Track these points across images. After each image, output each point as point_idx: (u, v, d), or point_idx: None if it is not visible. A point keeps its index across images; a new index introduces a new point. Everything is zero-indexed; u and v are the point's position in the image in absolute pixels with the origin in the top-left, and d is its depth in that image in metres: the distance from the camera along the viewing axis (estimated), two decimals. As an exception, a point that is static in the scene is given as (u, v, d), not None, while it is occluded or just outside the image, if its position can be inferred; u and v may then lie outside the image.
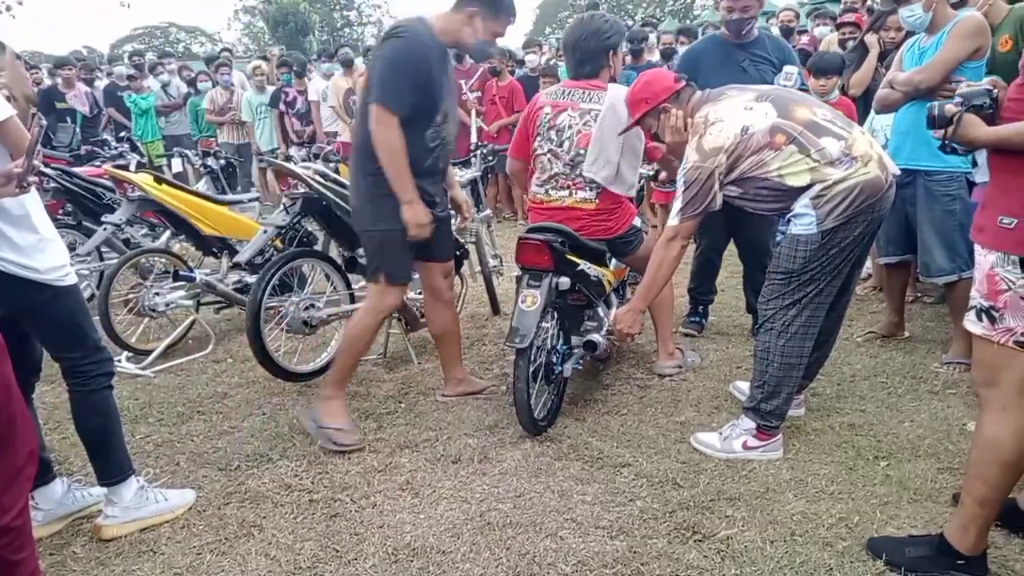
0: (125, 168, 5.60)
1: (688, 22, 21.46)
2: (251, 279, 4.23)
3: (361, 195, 3.10)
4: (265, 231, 4.25)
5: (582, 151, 3.33)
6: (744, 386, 3.23)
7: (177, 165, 7.47)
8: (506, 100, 7.76)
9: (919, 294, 4.74)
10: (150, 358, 4.16)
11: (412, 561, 2.34)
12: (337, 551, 2.41)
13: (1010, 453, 2.00)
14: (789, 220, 2.77)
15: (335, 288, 3.98)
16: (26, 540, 1.91)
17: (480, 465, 2.91)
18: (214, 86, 9.36)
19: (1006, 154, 1.95)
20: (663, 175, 4.01)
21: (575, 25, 3.56)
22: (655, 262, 2.92)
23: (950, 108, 2.00)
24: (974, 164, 3.56)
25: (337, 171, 4.70)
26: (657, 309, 3.72)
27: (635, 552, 2.34)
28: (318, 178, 3.75)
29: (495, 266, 4.81)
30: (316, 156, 5.37)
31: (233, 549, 2.44)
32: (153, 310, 4.31)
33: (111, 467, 2.52)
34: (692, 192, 2.78)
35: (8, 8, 16.74)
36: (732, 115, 2.75)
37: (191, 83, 9.89)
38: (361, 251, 4.12)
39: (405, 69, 2.88)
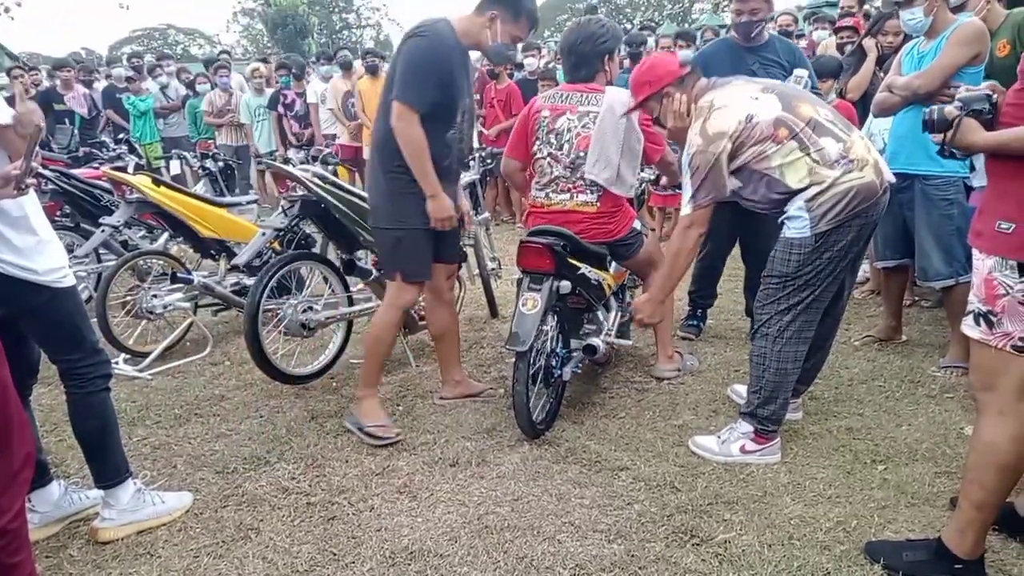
0: (123, 170, 5.58)
1: (686, 26, 21.50)
2: (249, 281, 4.22)
3: (381, 193, 3.13)
4: (263, 233, 4.25)
5: (582, 153, 3.33)
6: (742, 390, 3.23)
7: (175, 167, 7.46)
8: (504, 103, 7.77)
9: (916, 298, 4.75)
10: (148, 360, 4.15)
11: (409, 564, 2.34)
12: (334, 554, 2.41)
13: (1007, 457, 2.01)
14: (783, 223, 2.78)
15: (333, 291, 3.97)
16: (23, 543, 1.91)
17: (478, 468, 2.91)
18: (213, 88, 9.36)
19: (1004, 159, 1.96)
20: (664, 180, 4.01)
21: (571, 29, 3.57)
22: (672, 252, 2.91)
23: (950, 111, 2.00)
24: (971, 168, 3.57)
25: (335, 173, 4.70)
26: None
27: (633, 556, 2.34)
28: (317, 180, 3.75)
29: (493, 269, 4.82)
30: (315, 158, 5.35)
31: (230, 552, 2.44)
32: (151, 312, 4.31)
33: (108, 469, 2.51)
34: (700, 177, 2.75)
35: (7, 10, 16.76)
36: (737, 102, 2.74)
37: (189, 85, 9.89)
38: (360, 253, 4.13)
39: (428, 67, 2.92)
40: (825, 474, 2.78)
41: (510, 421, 3.17)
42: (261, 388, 3.79)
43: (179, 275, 4.09)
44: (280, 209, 4.23)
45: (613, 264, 3.63)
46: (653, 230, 6.15)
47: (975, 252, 2.05)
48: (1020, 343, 1.95)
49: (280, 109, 9.07)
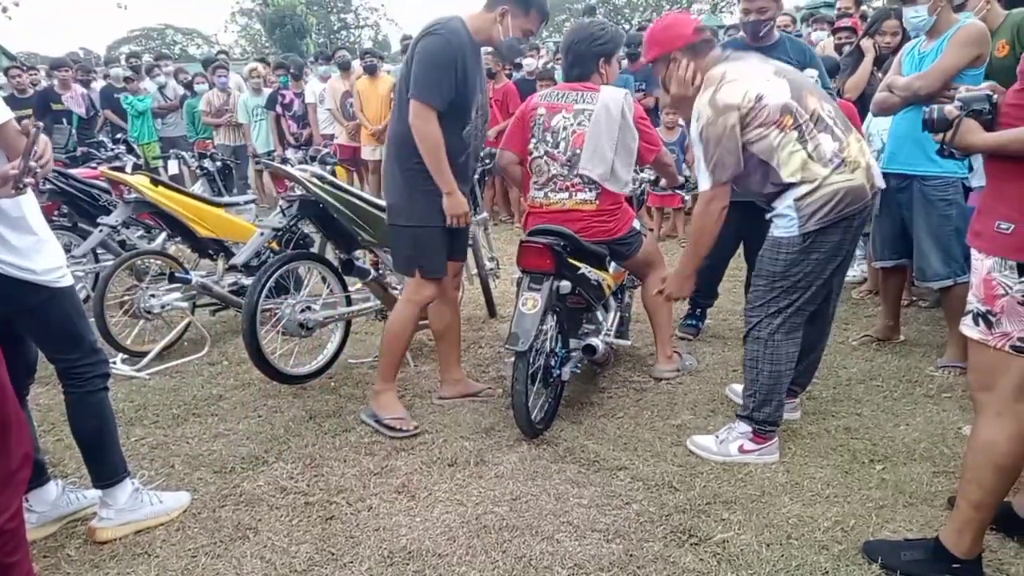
0: (121, 170, 5.58)
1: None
2: (247, 281, 4.21)
3: (398, 190, 3.15)
4: (262, 233, 4.25)
5: (578, 151, 3.34)
6: (740, 389, 3.23)
7: (173, 167, 7.46)
8: (501, 103, 7.76)
9: (914, 298, 4.75)
10: (145, 360, 4.15)
11: (408, 564, 2.34)
12: (332, 554, 2.40)
13: (1005, 457, 2.01)
14: (771, 220, 2.78)
15: (331, 290, 3.97)
16: (20, 543, 1.90)
17: (476, 468, 2.90)
18: (211, 88, 9.35)
19: (1003, 160, 1.96)
20: (664, 181, 4.01)
21: (572, 29, 3.61)
22: (696, 228, 2.88)
23: (950, 111, 2.00)
24: (970, 168, 3.57)
25: (334, 173, 4.70)
26: (655, 313, 3.73)
27: (631, 555, 2.34)
28: (315, 180, 3.75)
29: (492, 269, 4.82)
30: (313, 158, 5.35)
31: (228, 552, 2.43)
32: (149, 312, 4.30)
33: (106, 469, 2.51)
34: (714, 151, 2.69)
35: (4, 9, 16.75)
36: (750, 79, 2.69)
37: (187, 85, 9.88)
38: (358, 253, 4.13)
39: (444, 65, 2.94)
40: (823, 474, 2.78)
41: (509, 421, 3.17)
42: (259, 388, 3.78)
43: (177, 275, 4.08)
44: (278, 209, 4.23)
45: (612, 264, 3.63)
46: (651, 230, 6.16)
47: (974, 252, 2.05)
48: (1019, 343, 1.95)
49: (278, 109, 9.07)
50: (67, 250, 4.57)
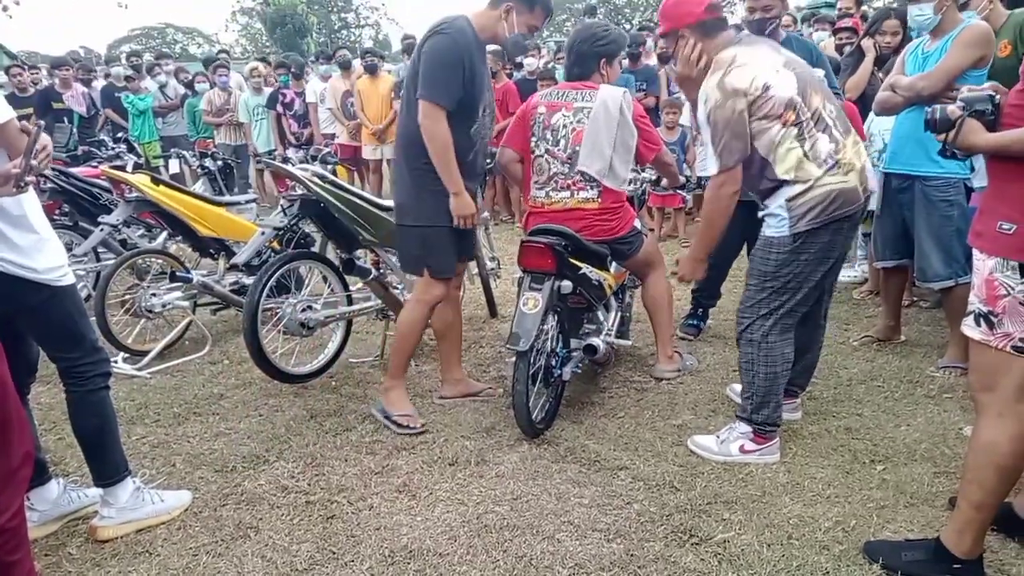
0: (122, 169, 5.58)
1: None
2: (248, 280, 4.22)
3: (407, 190, 3.16)
4: (263, 232, 4.24)
5: (578, 148, 3.35)
6: (740, 389, 3.23)
7: (174, 166, 7.46)
8: (500, 102, 7.76)
9: (915, 298, 4.75)
10: (146, 359, 4.15)
11: (408, 563, 2.34)
12: (334, 553, 2.40)
13: (1006, 458, 2.01)
14: (764, 219, 2.78)
15: (332, 290, 3.97)
16: (21, 541, 1.90)
17: (477, 467, 2.91)
18: (211, 87, 9.35)
19: (1005, 160, 1.96)
20: (665, 181, 4.01)
21: (576, 29, 3.65)
22: (707, 213, 2.86)
23: (952, 111, 2.00)
24: (971, 169, 3.57)
25: (335, 173, 4.69)
26: (656, 312, 3.73)
27: (632, 555, 2.34)
28: (316, 180, 3.75)
29: (492, 268, 4.82)
30: (314, 158, 5.35)
31: (229, 551, 2.44)
32: (150, 311, 4.30)
33: (107, 468, 2.51)
34: (722, 135, 2.65)
35: (5, 8, 16.74)
36: (760, 66, 2.65)
37: (188, 84, 9.88)
38: (359, 253, 4.13)
39: (452, 64, 2.95)
40: (824, 474, 2.78)
41: (509, 420, 3.17)
42: (260, 387, 3.78)
43: (178, 274, 4.08)
44: (279, 208, 4.23)
45: (613, 264, 3.63)
46: (652, 230, 6.16)
47: (976, 253, 2.05)
48: (1020, 344, 1.95)
49: (279, 108, 9.07)
50: (68, 249, 4.57)
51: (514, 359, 3.02)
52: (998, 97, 1.99)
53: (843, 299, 4.95)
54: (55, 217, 5.36)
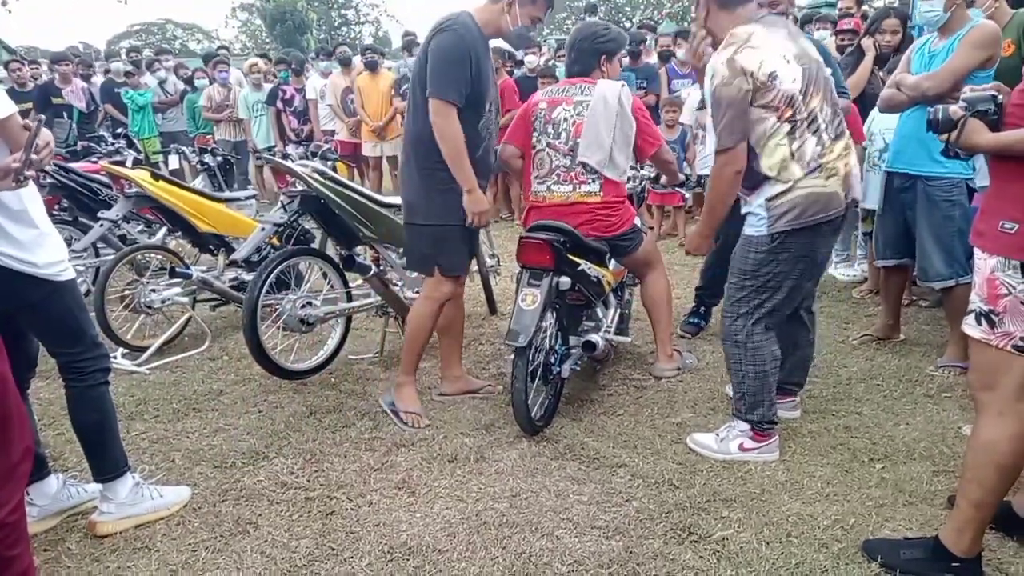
0: (121, 164, 5.58)
1: (686, 25, 21.48)
2: (248, 276, 4.22)
3: (415, 189, 3.17)
4: (263, 228, 4.24)
5: (578, 140, 3.37)
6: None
7: (174, 162, 7.44)
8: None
9: (915, 297, 4.75)
10: (146, 355, 4.14)
11: (408, 560, 2.34)
12: (333, 549, 2.41)
13: (1006, 457, 2.01)
14: (745, 216, 2.79)
15: (332, 286, 3.97)
16: (21, 536, 1.90)
17: (476, 464, 2.91)
18: (211, 83, 9.34)
19: (1007, 160, 1.96)
20: (664, 178, 4.01)
21: (577, 27, 3.68)
22: (711, 194, 2.82)
23: (955, 111, 2.00)
24: (973, 168, 3.56)
25: (335, 169, 4.70)
26: (656, 311, 3.73)
27: (631, 552, 2.34)
28: (316, 176, 3.74)
29: (492, 266, 4.82)
30: (314, 154, 5.35)
31: (228, 546, 2.44)
32: (149, 307, 4.30)
33: (107, 463, 2.51)
34: (723, 113, 2.62)
35: (4, 3, 16.71)
36: (772, 53, 2.60)
37: (188, 80, 9.87)
38: (359, 249, 4.13)
39: (459, 61, 2.95)
40: (823, 472, 2.78)
41: (509, 417, 3.17)
42: (259, 383, 3.78)
43: (178, 270, 4.08)
44: (279, 204, 4.23)
45: (612, 262, 3.63)
46: (652, 228, 6.16)
47: (977, 252, 2.05)
48: (1021, 343, 1.95)
49: (279, 104, 9.06)
50: (67, 244, 4.56)
51: (512, 356, 3.02)
52: (1000, 97, 1.99)
53: (843, 298, 4.96)
54: (54, 212, 5.35)
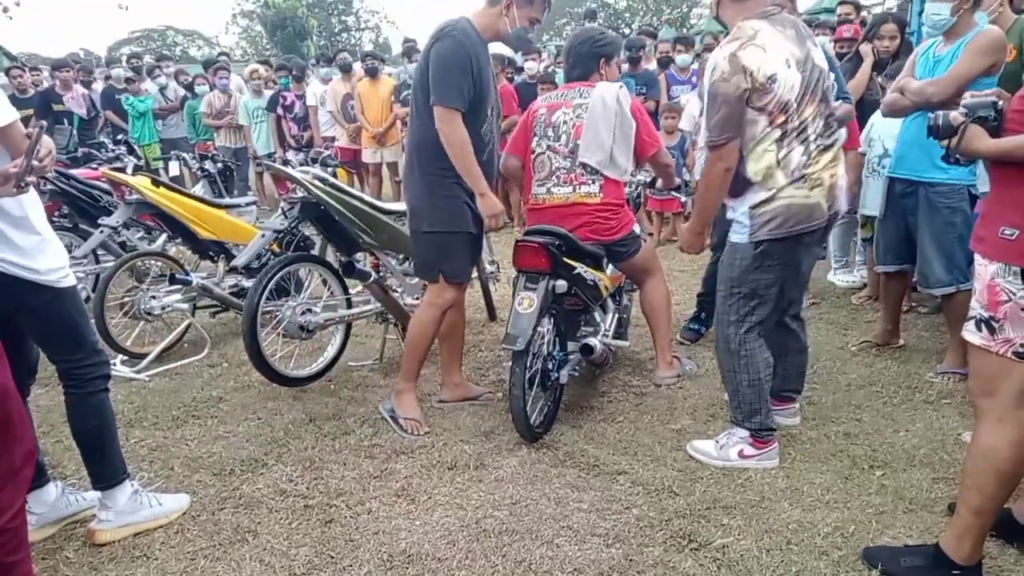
0: (122, 171, 5.58)
1: (685, 31, 21.57)
2: (248, 283, 4.22)
3: (419, 196, 3.18)
4: (263, 235, 4.25)
5: (578, 142, 3.39)
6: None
7: (174, 168, 7.45)
8: (496, 105, 7.77)
9: (914, 304, 4.75)
10: (145, 362, 4.14)
11: (407, 568, 2.34)
12: (332, 557, 2.40)
13: (1006, 463, 2.01)
14: (731, 223, 2.80)
15: (332, 293, 3.97)
16: (22, 542, 1.90)
17: (476, 472, 2.90)
18: (211, 90, 9.36)
19: (1008, 166, 1.97)
20: (661, 182, 4.01)
21: (573, 33, 3.72)
22: (701, 189, 2.82)
23: (955, 117, 2.01)
24: (974, 174, 3.55)
25: (335, 175, 4.70)
26: (655, 318, 3.73)
27: (631, 560, 2.34)
28: (317, 183, 3.75)
29: (492, 272, 4.82)
30: (314, 160, 5.36)
31: (227, 555, 2.43)
32: (149, 313, 4.30)
33: (106, 471, 2.50)
34: (718, 108, 2.59)
35: (5, 9, 16.73)
36: (775, 54, 2.57)
37: (188, 87, 9.89)
38: (359, 256, 4.13)
39: (461, 66, 2.97)
40: (823, 479, 2.78)
41: (508, 424, 3.16)
42: (259, 390, 3.78)
43: (177, 276, 4.08)
44: (280, 211, 4.23)
45: (610, 267, 3.64)
46: (651, 234, 6.16)
47: (978, 258, 2.05)
48: (1021, 349, 1.95)
49: (279, 111, 9.07)
50: (68, 251, 4.56)
51: (511, 363, 3.02)
52: (1000, 103, 2.00)
53: (842, 304, 4.96)
54: (55, 219, 5.35)
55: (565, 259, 3.19)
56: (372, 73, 8.55)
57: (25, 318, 2.31)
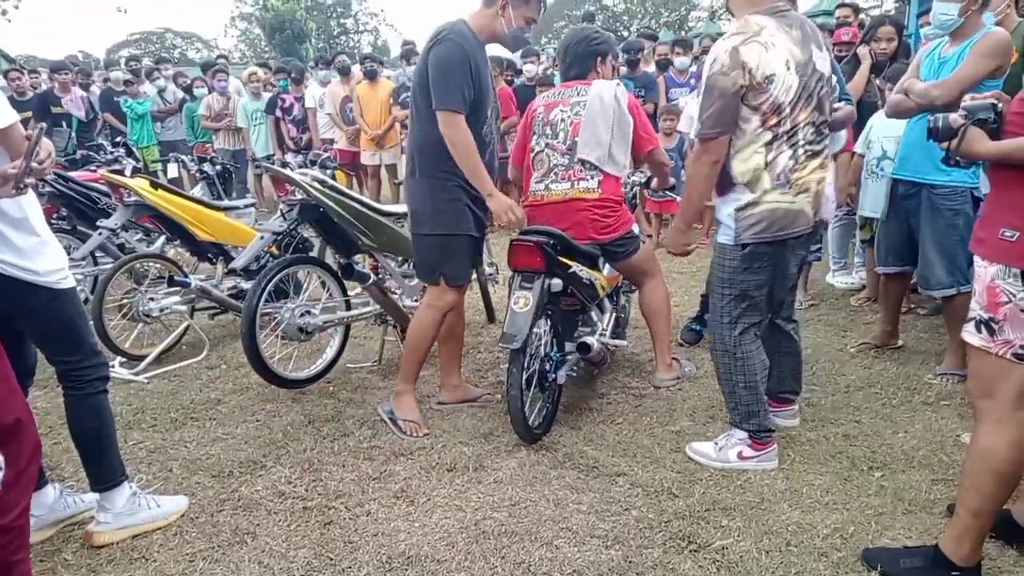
0: (120, 173, 5.57)
1: (683, 34, 21.59)
2: (246, 285, 4.21)
3: (421, 199, 3.18)
4: (262, 237, 4.25)
5: (576, 139, 3.40)
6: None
7: (173, 170, 7.44)
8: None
9: (912, 305, 4.76)
10: (143, 364, 4.14)
11: (406, 570, 2.33)
12: (331, 559, 2.40)
13: (1005, 465, 2.01)
14: (720, 224, 2.82)
15: (331, 295, 3.97)
16: (24, 541, 1.91)
17: (475, 473, 2.90)
18: (210, 92, 9.36)
19: (1008, 168, 1.97)
20: (655, 182, 4.01)
21: (569, 33, 3.73)
22: (689, 182, 2.81)
23: (955, 119, 2.01)
24: (978, 176, 3.54)
25: (334, 177, 4.70)
26: (654, 320, 3.73)
27: (630, 562, 2.33)
28: (316, 184, 3.75)
29: (491, 274, 4.82)
30: (313, 163, 5.36)
31: (226, 556, 2.43)
32: (147, 315, 4.30)
33: (104, 472, 2.50)
34: (713, 101, 2.58)
35: (3, 12, 16.75)
36: (777, 54, 2.55)
37: (187, 89, 9.89)
38: (358, 258, 4.12)
39: (460, 69, 2.97)
40: (822, 481, 2.78)
41: (507, 426, 3.16)
42: (258, 392, 3.77)
43: (176, 278, 4.08)
44: (279, 213, 4.23)
45: (607, 267, 3.64)
46: (650, 236, 6.16)
47: (977, 259, 2.05)
48: (1021, 351, 1.96)
49: (278, 113, 9.08)
50: (66, 253, 4.56)
51: (508, 364, 3.02)
52: (1000, 105, 2.00)
53: (841, 306, 4.96)
54: (53, 221, 5.35)
55: (560, 258, 3.19)
56: (371, 75, 8.56)
57: (24, 319, 2.30)
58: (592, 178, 3.40)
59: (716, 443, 2.96)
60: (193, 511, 2.68)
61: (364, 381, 3.91)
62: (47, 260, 2.25)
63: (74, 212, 5.39)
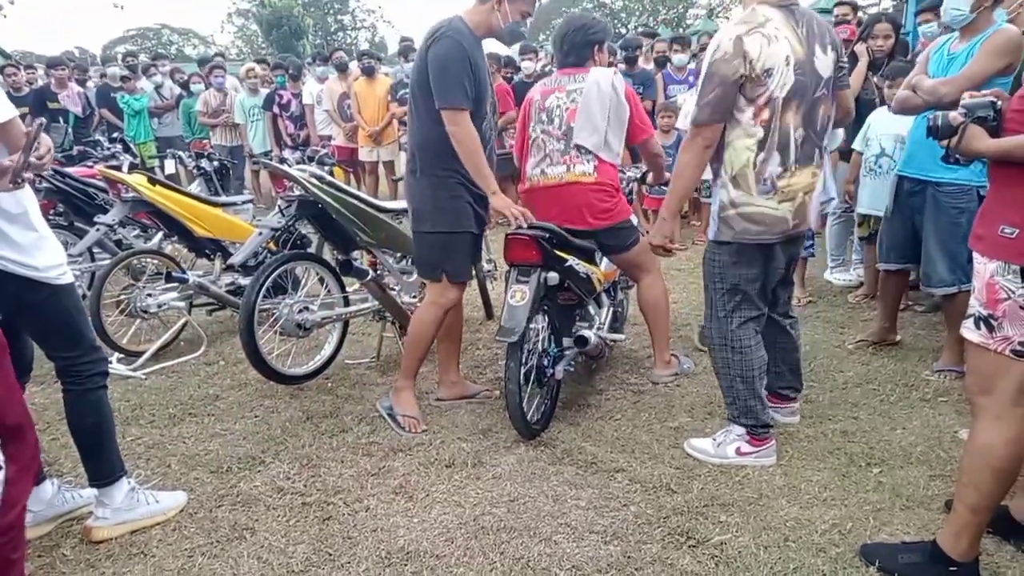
0: (118, 169, 5.57)
1: (681, 31, 21.59)
2: (244, 281, 4.21)
3: (421, 197, 3.18)
4: (260, 233, 4.24)
5: (573, 125, 3.40)
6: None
7: (170, 167, 7.45)
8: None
9: (910, 302, 4.76)
10: (141, 359, 4.13)
11: (405, 565, 2.34)
12: (330, 554, 2.40)
13: (1003, 461, 2.02)
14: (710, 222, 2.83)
15: (329, 291, 3.97)
16: (23, 538, 1.91)
17: (474, 469, 2.90)
18: (207, 88, 9.34)
19: (1007, 165, 1.98)
20: (651, 177, 4.01)
21: (564, 21, 3.69)
22: (678, 166, 2.78)
23: (954, 117, 2.01)
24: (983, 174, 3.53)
25: (331, 174, 4.70)
26: (653, 316, 3.73)
27: (629, 557, 2.34)
28: (314, 181, 3.74)
29: (489, 271, 4.82)
30: (311, 159, 5.36)
31: (225, 552, 2.43)
32: (145, 311, 4.29)
33: (103, 468, 2.50)
34: (712, 88, 2.56)
35: (0, 8, 16.68)
36: (779, 49, 2.54)
37: (184, 85, 9.87)
38: (356, 254, 4.13)
39: (459, 66, 2.97)
40: (820, 477, 2.78)
41: (506, 422, 3.16)
42: (256, 388, 3.77)
43: (174, 274, 4.07)
44: (277, 209, 4.23)
45: (604, 261, 3.64)
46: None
47: (976, 256, 2.06)
48: (1019, 347, 1.96)
49: (275, 109, 9.06)
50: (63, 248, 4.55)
51: (506, 359, 3.02)
52: (1000, 103, 2.00)
53: (838, 303, 4.97)
54: (50, 217, 5.34)
55: (556, 252, 3.20)
56: (368, 72, 8.54)
57: (23, 315, 2.30)
58: (588, 162, 3.40)
59: (714, 439, 2.96)
60: (192, 507, 2.68)
61: (362, 377, 3.91)
62: (45, 256, 2.25)
63: (71, 208, 5.38)
